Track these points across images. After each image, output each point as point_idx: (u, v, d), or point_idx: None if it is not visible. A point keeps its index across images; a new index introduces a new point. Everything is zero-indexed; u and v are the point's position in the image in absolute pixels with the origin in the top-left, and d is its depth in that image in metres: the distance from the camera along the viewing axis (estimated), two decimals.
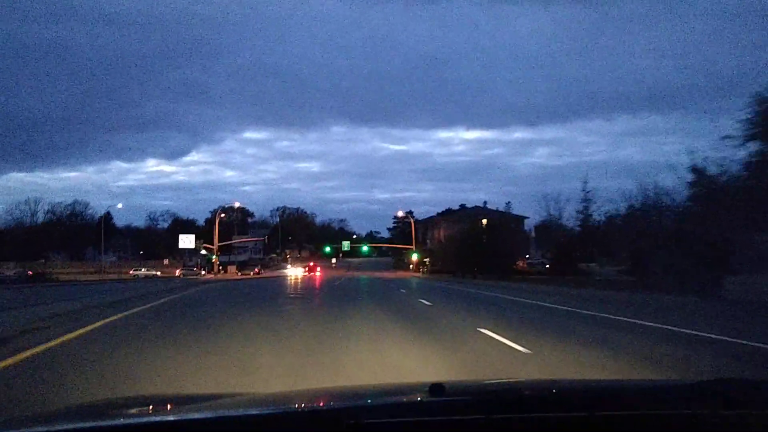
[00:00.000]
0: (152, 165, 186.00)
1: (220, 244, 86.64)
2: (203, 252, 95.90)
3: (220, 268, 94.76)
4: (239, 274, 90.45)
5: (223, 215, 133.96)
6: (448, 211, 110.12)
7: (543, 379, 5.64)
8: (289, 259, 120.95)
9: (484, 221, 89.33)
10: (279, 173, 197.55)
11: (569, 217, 57.68)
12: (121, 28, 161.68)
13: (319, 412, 1.69)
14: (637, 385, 2.39)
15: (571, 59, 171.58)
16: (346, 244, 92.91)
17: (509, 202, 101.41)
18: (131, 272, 76.29)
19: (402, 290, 32.58)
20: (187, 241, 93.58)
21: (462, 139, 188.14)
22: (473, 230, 68.09)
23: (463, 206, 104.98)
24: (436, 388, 1.55)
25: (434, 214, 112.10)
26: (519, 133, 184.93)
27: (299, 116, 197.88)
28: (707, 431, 1.45)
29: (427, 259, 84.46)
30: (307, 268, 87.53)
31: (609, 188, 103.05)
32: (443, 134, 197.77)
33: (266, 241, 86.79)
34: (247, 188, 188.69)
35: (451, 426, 1.39)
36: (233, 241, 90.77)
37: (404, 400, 1.88)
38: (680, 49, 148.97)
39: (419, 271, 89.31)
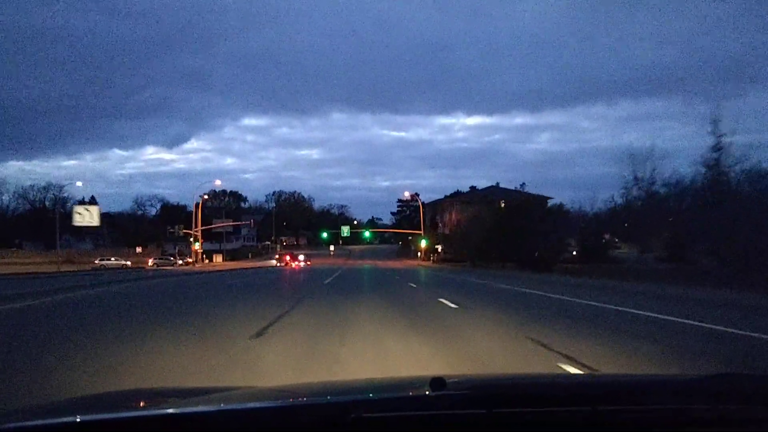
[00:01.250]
0: (151, 153, 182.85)
1: (199, 229, 76.07)
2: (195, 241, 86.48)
3: (204, 256, 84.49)
4: (260, 262, 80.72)
5: (206, 197, 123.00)
6: (458, 194, 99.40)
7: (546, 373, 5.15)
8: (278, 248, 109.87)
9: (502, 203, 78.80)
10: (279, 160, 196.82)
11: (599, 199, 48.35)
12: (120, 14, 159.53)
13: (321, 406, 1.65)
14: (641, 380, 2.31)
15: (573, 44, 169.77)
16: (345, 230, 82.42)
17: (524, 184, 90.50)
18: (96, 262, 65.79)
19: (411, 284, 25.99)
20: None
21: (463, 125, 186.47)
22: (501, 211, 56.29)
23: (473, 188, 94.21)
24: (437, 382, 1.53)
25: (441, 197, 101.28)
26: (520, 119, 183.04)
27: (299, 103, 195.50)
28: (709, 426, 1.44)
29: (438, 246, 73.54)
30: (282, 260, 74.22)
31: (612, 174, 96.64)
32: (444, 120, 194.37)
33: (252, 224, 75.90)
34: (247, 176, 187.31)
35: (453, 420, 1.38)
36: (213, 226, 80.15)
37: (405, 394, 1.86)
38: (681, 34, 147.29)
39: (429, 260, 78.76)
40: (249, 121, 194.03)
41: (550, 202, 66.78)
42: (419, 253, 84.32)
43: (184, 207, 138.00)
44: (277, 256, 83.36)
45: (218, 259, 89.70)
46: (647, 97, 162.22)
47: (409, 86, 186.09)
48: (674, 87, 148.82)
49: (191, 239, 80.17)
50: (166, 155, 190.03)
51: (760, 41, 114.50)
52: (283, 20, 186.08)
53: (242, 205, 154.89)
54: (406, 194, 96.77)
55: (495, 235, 53.25)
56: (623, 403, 1.52)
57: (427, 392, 1.53)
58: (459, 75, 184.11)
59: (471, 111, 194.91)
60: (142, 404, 1.95)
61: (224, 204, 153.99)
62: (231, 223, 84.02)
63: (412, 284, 25.19)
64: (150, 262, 70.35)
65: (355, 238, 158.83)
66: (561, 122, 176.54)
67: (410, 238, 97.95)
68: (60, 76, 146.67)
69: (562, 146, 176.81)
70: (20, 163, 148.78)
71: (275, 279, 31.40)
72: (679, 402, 1.54)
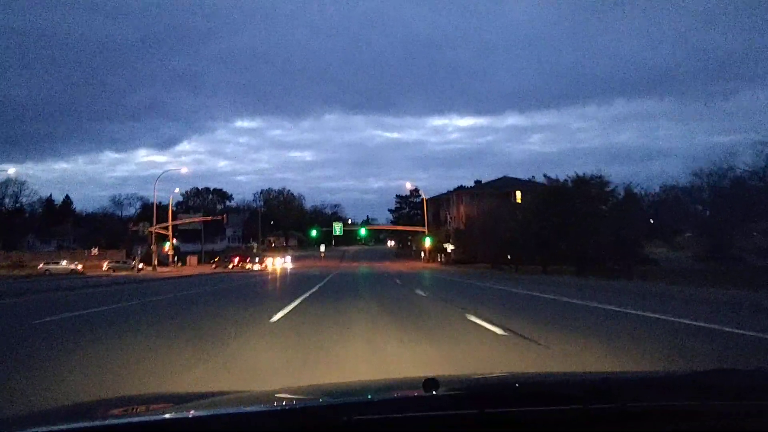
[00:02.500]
0: (143, 155, 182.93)
1: (170, 226, 65.51)
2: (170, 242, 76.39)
3: (176, 259, 73.95)
4: (213, 265, 69.97)
5: (177, 191, 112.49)
6: (461, 188, 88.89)
7: (538, 372, 5.11)
8: (258, 249, 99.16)
9: (519, 194, 68.88)
10: (272, 162, 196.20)
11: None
12: (110, 15, 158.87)
13: (315, 408, 1.65)
14: (633, 377, 2.33)
15: (565, 43, 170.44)
16: (337, 227, 72.22)
17: (533, 177, 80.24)
18: (41, 266, 55.24)
19: (419, 292, 20.21)
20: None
21: (456, 127, 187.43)
22: (544, 196, 44.61)
23: (478, 182, 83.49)
24: (429, 383, 1.54)
25: (441, 193, 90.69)
26: (513, 120, 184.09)
27: (291, 104, 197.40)
28: (703, 422, 1.44)
29: (448, 245, 63.08)
30: (231, 262, 64.21)
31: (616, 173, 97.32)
32: (437, 121, 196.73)
33: (225, 219, 65.19)
34: (240, 178, 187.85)
35: (445, 421, 1.38)
36: (178, 222, 69.49)
37: (398, 395, 1.88)
38: (677, 32, 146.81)
39: (435, 261, 68.48)
40: (241, 123, 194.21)
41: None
42: (423, 254, 74.07)
43: (167, 207, 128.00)
44: (256, 259, 73.23)
45: (193, 261, 79.06)
46: (640, 97, 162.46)
47: (402, 87, 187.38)
48: (667, 86, 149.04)
49: (167, 240, 70.58)
50: (158, 157, 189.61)
51: (756, 39, 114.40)
52: (274, 19, 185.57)
53: (227, 203, 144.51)
54: (408, 186, 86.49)
55: (533, 229, 42.43)
56: (615, 400, 1.50)
57: (420, 393, 1.54)
58: (451, 75, 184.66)
59: (463, 112, 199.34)
60: (136, 410, 1.90)
61: (208, 202, 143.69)
62: (198, 219, 73.12)
63: (420, 292, 17.88)
64: (105, 266, 59.71)
65: (349, 238, 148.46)
66: (553, 123, 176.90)
67: (410, 237, 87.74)
68: (51, 77, 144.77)
69: (553, 147, 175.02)
70: (12, 165, 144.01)
71: (217, 293, 20.98)
72: (671, 398, 1.53)
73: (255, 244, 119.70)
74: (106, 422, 1.57)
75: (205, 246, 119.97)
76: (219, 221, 65.41)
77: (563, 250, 39.17)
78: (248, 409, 1.71)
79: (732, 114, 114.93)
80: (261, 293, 21.66)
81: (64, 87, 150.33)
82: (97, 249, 75.09)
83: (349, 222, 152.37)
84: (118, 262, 62.71)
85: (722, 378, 1.77)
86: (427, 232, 71.71)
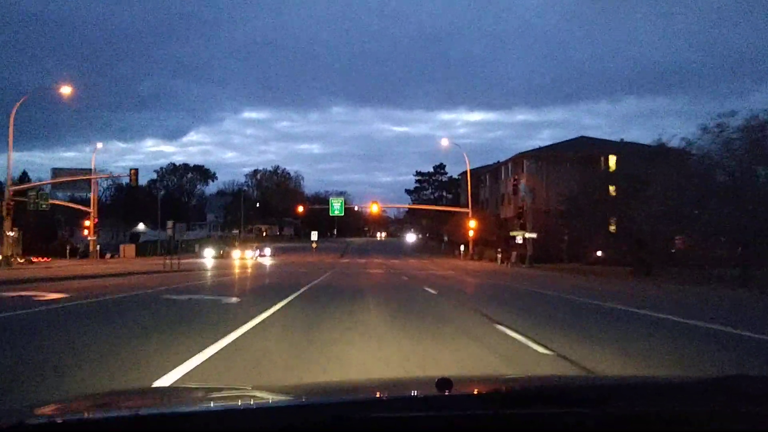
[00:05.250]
0: (151, 145, 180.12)
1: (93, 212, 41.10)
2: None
3: (98, 249, 49.86)
4: (171, 260, 46.28)
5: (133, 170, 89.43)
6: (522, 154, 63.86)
7: (552, 375, 4.94)
8: (239, 239, 75.33)
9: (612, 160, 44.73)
10: (279, 154, 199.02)
11: None
12: (119, 2, 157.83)
13: (329, 405, 1.65)
14: (648, 382, 2.35)
15: (577, 39, 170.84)
16: (336, 203, 48.13)
17: (622, 139, 55.30)
18: None
19: None
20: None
21: (465, 121, 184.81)
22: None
23: (539, 149, 58.11)
24: (443, 383, 1.55)
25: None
26: (522, 115, 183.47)
27: (299, 96, 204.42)
28: (716, 428, 1.43)
29: (522, 234, 37.06)
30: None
31: None
32: (446, 116, 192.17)
33: (133, 179, 39.95)
34: (246, 170, 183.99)
35: (461, 420, 1.38)
36: (27, 186, 44.48)
37: (413, 394, 1.89)
38: (689, 30, 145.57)
39: (484, 258, 44.21)
40: (249, 114, 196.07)
41: None
42: (461, 248, 49.57)
43: (149, 191, 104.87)
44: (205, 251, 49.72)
45: (129, 252, 55.00)
46: (651, 95, 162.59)
47: (411, 80, 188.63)
48: (679, 84, 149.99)
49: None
50: (166, 147, 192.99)
51: None
52: (283, 10, 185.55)
53: (210, 183, 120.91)
54: (444, 142, 60.67)
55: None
56: (630, 404, 1.52)
57: (434, 393, 1.55)
58: (461, 69, 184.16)
59: (473, 106, 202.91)
60: (141, 403, 1.89)
61: (186, 181, 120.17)
62: (79, 177, 46.71)
63: None
64: None
65: (353, 228, 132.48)
66: (563, 119, 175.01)
67: (450, 218, 63.44)
68: (58, 64, 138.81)
69: None
70: (19, 153, 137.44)
71: None
72: (689, 403, 1.54)
73: (236, 232, 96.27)
74: (109, 414, 1.57)
75: (177, 233, 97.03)
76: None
77: None
78: (263, 403, 1.70)
79: None
80: None
81: (71, 74, 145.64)
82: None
83: (356, 209, 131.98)
84: None
85: (736, 383, 1.76)
86: (471, 215, 47.29)
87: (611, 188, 49.20)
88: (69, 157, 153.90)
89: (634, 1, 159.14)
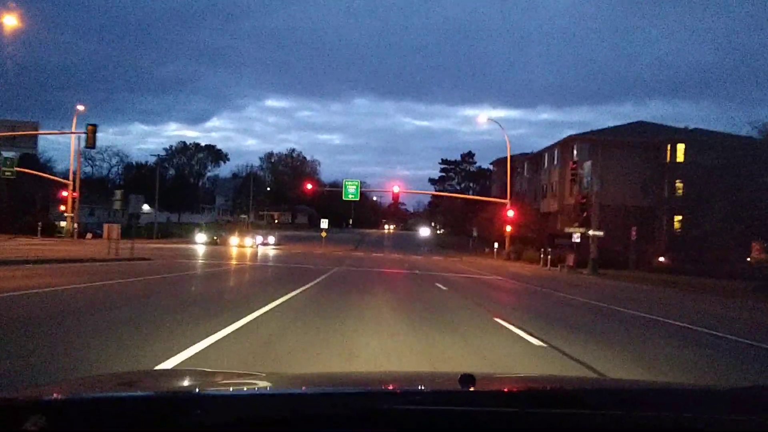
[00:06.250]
0: (173, 129, 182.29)
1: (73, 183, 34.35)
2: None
3: (76, 228, 43.27)
4: (122, 245, 39.68)
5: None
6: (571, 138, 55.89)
7: (577, 376, 4.80)
8: (247, 223, 69.03)
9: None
10: (300, 144, 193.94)
11: None
12: None
13: (352, 395, 1.62)
14: (675, 389, 2.28)
15: (603, 39, 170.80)
16: (351, 186, 40.91)
17: (688, 125, 47.13)
18: None
19: None
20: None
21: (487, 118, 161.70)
22: None
23: (591, 133, 50.01)
24: (466, 379, 1.55)
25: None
26: (546, 114, 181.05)
27: (322, 86, 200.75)
28: None
29: (590, 231, 29.02)
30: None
31: None
32: (468, 111, 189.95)
33: (90, 140, 33.02)
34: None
35: (485, 417, 1.35)
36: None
37: (437, 388, 1.87)
38: (718, 33, 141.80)
39: (520, 259, 36.85)
40: (271, 102, 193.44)
41: None
42: (495, 245, 42.06)
43: (154, 170, 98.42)
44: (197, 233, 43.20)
45: (113, 233, 48.32)
46: (677, 99, 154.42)
47: (435, 74, 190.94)
48: (706, 89, 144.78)
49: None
50: (188, 132, 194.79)
51: None
52: (310, 0, 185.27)
53: (222, 165, 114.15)
54: (482, 120, 52.50)
55: None
56: (656, 410, 1.51)
57: (458, 388, 1.54)
58: (486, 65, 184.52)
59: (496, 103, 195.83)
60: (164, 384, 1.86)
61: (197, 162, 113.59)
62: (20, 132, 39.44)
63: None
64: None
65: (370, 220, 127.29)
66: (586, 119, 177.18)
67: (465, 224, 56.14)
68: (83, 45, 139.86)
69: None
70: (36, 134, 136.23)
71: None
72: (712, 412, 1.52)
73: (245, 217, 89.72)
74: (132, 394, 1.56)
75: (185, 216, 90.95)
76: None
77: None
78: (286, 390, 1.70)
79: None
80: None
81: (96, 56, 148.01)
82: None
83: (374, 199, 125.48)
84: None
85: (761, 395, 1.75)
86: (510, 205, 39.80)
87: (677, 183, 41.39)
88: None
89: (662, 3, 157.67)
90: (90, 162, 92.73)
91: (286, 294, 10.92)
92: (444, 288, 14.84)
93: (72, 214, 44.13)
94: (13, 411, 1.19)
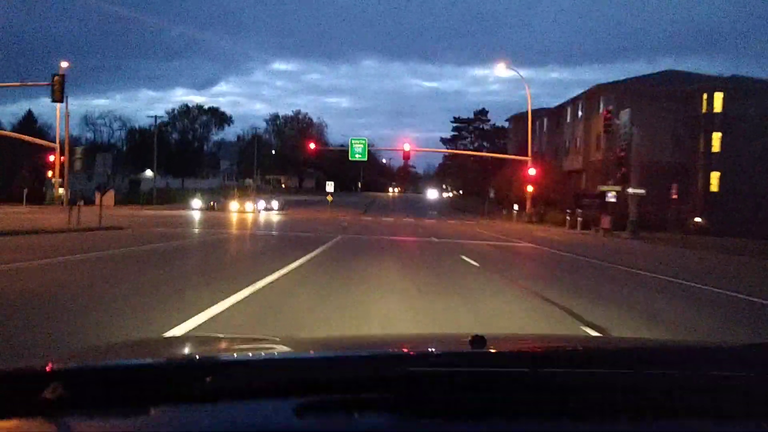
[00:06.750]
0: (181, 94, 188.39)
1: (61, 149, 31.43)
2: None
3: (61, 193, 40.52)
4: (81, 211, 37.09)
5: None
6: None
7: (588, 336, 4.96)
8: (253, 188, 66.31)
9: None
10: (308, 107, 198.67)
11: None
12: None
13: (366, 358, 1.59)
14: (686, 346, 2.27)
15: None
16: (358, 146, 37.63)
17: (721, 72, 42.99)
18: None
19: None
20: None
21: (497, 78, 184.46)
22: None
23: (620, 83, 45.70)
24: (478, 340, 1.54)
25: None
26: (556, 73, 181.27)
27: (329, 48, 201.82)
28: (750, 394, 1.38)
29: (630, 188, 25.67)
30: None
31: None
32: (478, 72, 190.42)
33: (58, 97, 29.88)
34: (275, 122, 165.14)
35: (498, 377, 1.36)
36: None
37: (449, 349, 1.84)
38: None
39: (545, 222, 33.81)
40: (279, 65, 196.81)
41: None
42: (515, 207, 38.88)
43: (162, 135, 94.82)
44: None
45: (109, 200, 45.53)
46: (690, 55, 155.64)
47: (443, 34, 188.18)
48: (720, 46, 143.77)
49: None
50: (195, 97, 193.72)
51: None
52: None
53: (226, 128, 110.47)
54: (501, 69, 48.21)
55: None
56: (668, 367, 1.49)
57: (470, 349, 1.55)
58: (495, 24, 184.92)
59: (506, 63, 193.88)
60: (189, 349, 1.86)
61: (201, 125, 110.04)
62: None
63: None
64: None
65: (379, 183, 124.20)
66: (598, 78, 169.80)
67: (480, 185, 52.83)
68: (89, 10, 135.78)
69: None
70: (48, 99, 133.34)
71: None
72: (720, 369, 1.51)
73: (250, 182, 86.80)
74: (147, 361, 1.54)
75: (189, 181, 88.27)
76: None
77: None
78: (302, 354, 1.69)
79: None
80: None
81: (102, 21, 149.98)
82: None
83: (384, 161, 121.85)
84: None
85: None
86: (531, 163, 36.52)
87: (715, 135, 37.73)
88: (101, 104, 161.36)
89: None
90: (92, 128, 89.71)
91: (258, 281, 7.89)
92: (474, 263, 11.63)
93: (59, 180, 41.32)
94: (32, 379, 1.20)
